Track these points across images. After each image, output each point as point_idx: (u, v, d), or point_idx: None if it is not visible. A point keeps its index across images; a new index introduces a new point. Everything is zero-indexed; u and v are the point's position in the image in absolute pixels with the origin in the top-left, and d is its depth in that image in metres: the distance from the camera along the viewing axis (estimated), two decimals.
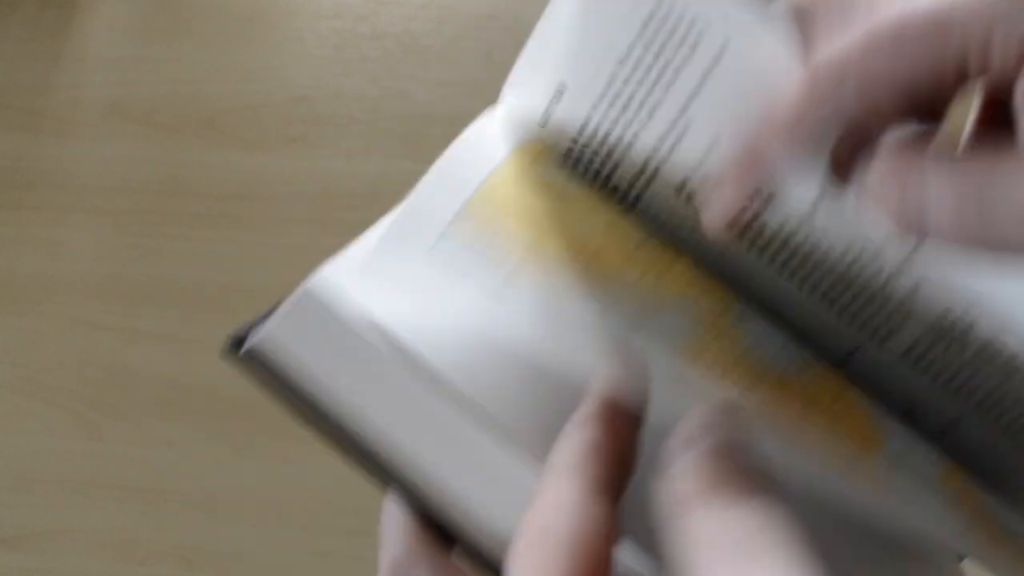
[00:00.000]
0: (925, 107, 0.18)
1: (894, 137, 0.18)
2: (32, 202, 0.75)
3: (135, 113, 0.76)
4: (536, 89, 0.24)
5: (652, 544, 0.20)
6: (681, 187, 0.23)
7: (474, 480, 0.21)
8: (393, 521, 0.22)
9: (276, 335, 0.21)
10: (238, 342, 0.21)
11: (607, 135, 0.23)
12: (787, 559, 0.15)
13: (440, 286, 0.23)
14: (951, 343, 0.23)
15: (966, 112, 0.20)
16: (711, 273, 0.25)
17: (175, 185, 0.74)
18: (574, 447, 0.19)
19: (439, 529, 0.22)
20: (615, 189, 0.24)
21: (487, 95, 0.24)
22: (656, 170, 0.23)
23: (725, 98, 0.22)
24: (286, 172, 0.73)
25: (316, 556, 0.64)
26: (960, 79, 0.17)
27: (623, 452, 0.19)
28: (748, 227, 0.22)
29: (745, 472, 0.18)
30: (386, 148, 0.73)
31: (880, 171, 0.18)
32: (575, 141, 0.24)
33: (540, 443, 0.21)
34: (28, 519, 0.67)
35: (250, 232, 0.72)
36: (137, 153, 0.75)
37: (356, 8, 0.77)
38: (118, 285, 0.72)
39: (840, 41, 0.18)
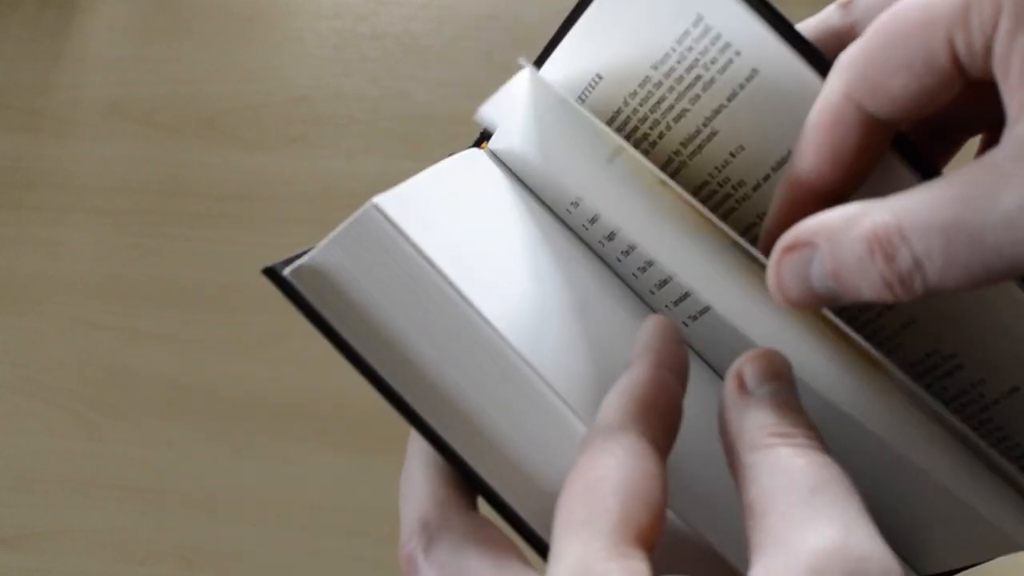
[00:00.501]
0: (934, 97, 0.19)
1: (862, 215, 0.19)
2: (32, 202, 0.75)
3: (135, 113, 0.76)
4: (574, 73, 0.24)
5: (686, 512, 0.20)
6: (701, 187, 0.24)
7: (517, 425, 0.21)
8: (417, 478, 0.22)
9: (331, 251, 0.20)
10: (279, 267, 0.21)
11: (636, 129, 0.24)
12: (857, 512, 0.16)
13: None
14: (932, 383, 0.24)
15: None
16: None
17: (175, 185, 0.74)
18: (628, 401, 0.19)
19: (466, 480, 0.21)
20: None
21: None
22: (679, 169, 0.24)
23: (751, 117, 0.22)
24: (286, 172, 0.73)
25: (316, 556, 0.64)
26: (955, 62, 0.18)
27: (672, 411, 0.20)
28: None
29: (811, 425, 0.19)
30: (386, 148, 0.73)
31: (856, 237, 0.18)
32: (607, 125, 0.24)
33: (581, 395, 0.21)
34: (28, 519, 0.67)
35: (250, 232, 0.72)
36: (137, 153, 0.75)
37: (356, 8, 0.77)
38: (118, 285, 0.72)
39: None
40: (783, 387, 0.19)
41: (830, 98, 0.20)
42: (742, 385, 0.19)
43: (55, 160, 0.75)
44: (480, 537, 0.20)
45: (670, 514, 0.20)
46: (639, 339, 0.21)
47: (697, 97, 0.22)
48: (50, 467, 0.68)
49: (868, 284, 0.18)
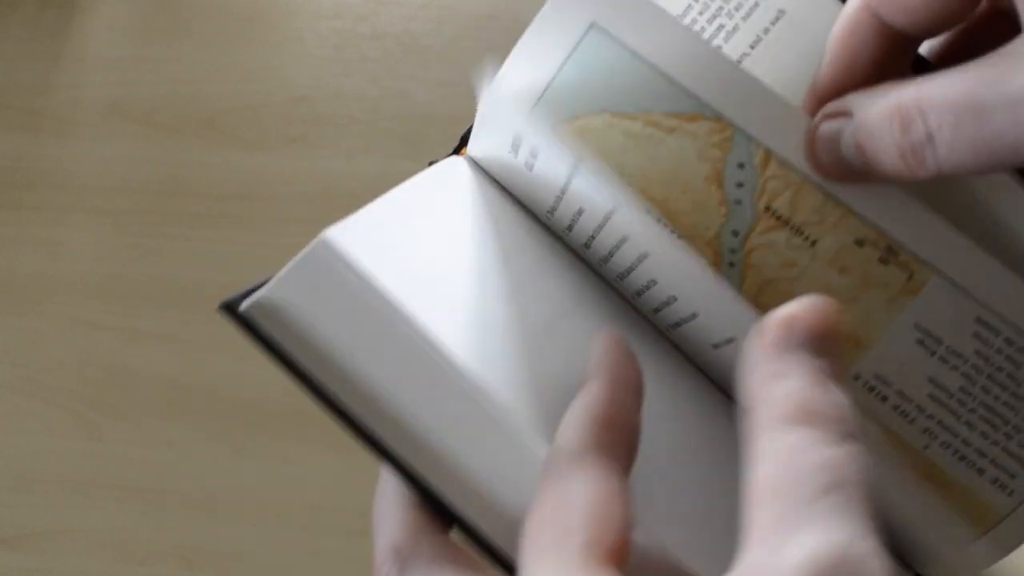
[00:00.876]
0: (947, 12, 0.20)
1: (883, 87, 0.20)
2: (32, 202, 0.75)
3: (135, 113, 0.76)
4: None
5: (655, 527, 0.20)
6: None
7: (478, 452, 0.21)
8: (388, 506, 0.22)
9: (284, 286, 0.20)
10: (236, 303, 0.21)
11: None
12: (866, 522, 0.15)
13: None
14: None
15: None
16: None
17: (175, 185, 0.74)
18: (585, 422, 0.19)
19: (436, 509, 0.21)
20: None
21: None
22: None
23: (772, 62, 0.22)
24: (286, 172, 0.73)
25: (316, 556, 0.64)
26: None
27: (629, 427, 0.20)
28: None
29: (846, 405, 0.17)
30: (386, 148, 0.73)
31: (880, 109, 0.19)
32: None
33: (544, 418, 0.21)
34: (28, 519, 0.67)
35: (250, 232, 0.72)
36: (137, 153, 0.75)
37: (356, 8, 0.77)
38: (118, 285, 0.72)
39: None
40: (830, 351, 0.17)
41: (849, 8, 0.21)
42: (783, 340, 0.17)
43: (55, 160, 0.75)
44: (451, 560, 0.20)
45: (637, 531, 0.20)
46: (592, 358, 0.21)
47: (720, 47, 0.22)
48: (50, 467, 0.68)
49: (886, 154, 0.19)
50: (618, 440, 0.19)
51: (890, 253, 0.22)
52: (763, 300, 0.23)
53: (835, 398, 0.16)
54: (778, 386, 0.17)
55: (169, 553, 0.65)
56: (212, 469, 0.67)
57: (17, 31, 0.80)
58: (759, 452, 0.16)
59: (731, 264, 0.22)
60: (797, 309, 0.17)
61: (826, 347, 0.17)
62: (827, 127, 0.20)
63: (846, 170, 0.20)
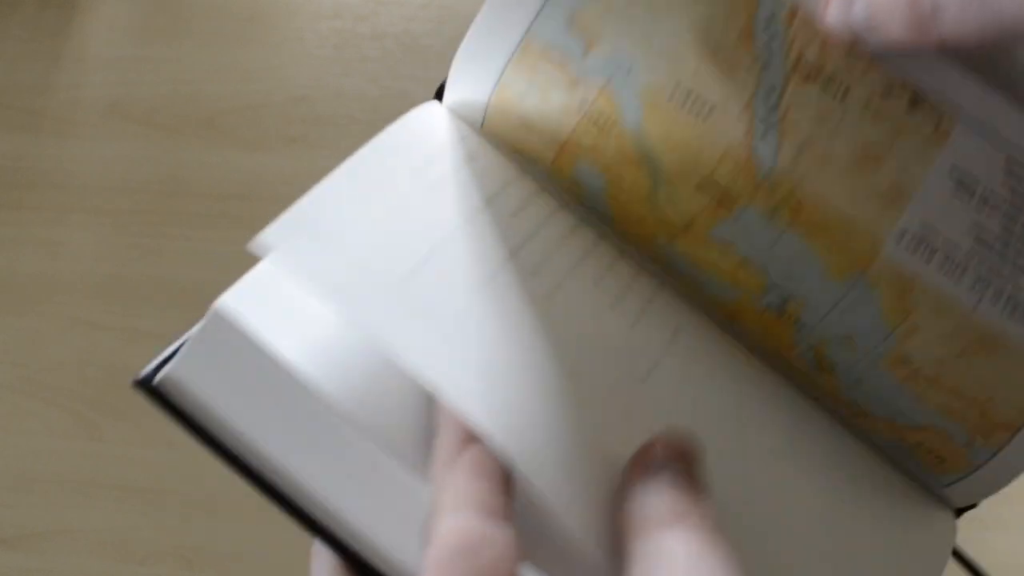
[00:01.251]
0: None
1: None
2: (32, 202, 0.75)
3: (135, 113, 0.76)
4: None
5: (548, 567, 0.20)
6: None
7: (381, 516, 0.21)
8: (320, 570, 0.22)
9: (185, 364, 0.20)
10: (150, 377, 0.21)
11: None
12: None
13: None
14: None
15: None
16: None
17: (175, 185, 0.74)
18: (456, 474, 0.19)
19: (351, 563, 0.21)
20: None
21: None
22: None
23: None
24: (286, 172, 0.73)
25: None
26: None
27: (504, 468, 0.19)
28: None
29: (706, 503, 0.18)
30: None
31: None
32: None
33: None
34: (28, 519, 0.67)
35: (250, 232, 0.71)
36: (137, 153, 0.75)
37: (356, 8, 0.77)
38: (118, 285, 0.72)
39: None
40: (686, 467, 0.19)
41: None
42: (645, 465, 0.19)
43: (55, 160, 0.75)
44: None
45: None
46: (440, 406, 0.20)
47: None
48: (50, 467, 0.68)
49: (894, 25, 0.20)
50: (496, 484, 0.18)
51: (916, 99, 0.22)
52: (801, 167, 0.23)
53: (698, 499, 0.19)
54: (647, 499, 0.18)
55: (169, 553, 0.65)
56: (212, 469, 0.66)
57: (17, 31, 0.80)
58: (635, 556, 0.18)
59: (767, 129, 0.23)
60: (655, 438, 0.20)
61: (684, 464, 0.19)
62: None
63: (858, 35, 0.21)
